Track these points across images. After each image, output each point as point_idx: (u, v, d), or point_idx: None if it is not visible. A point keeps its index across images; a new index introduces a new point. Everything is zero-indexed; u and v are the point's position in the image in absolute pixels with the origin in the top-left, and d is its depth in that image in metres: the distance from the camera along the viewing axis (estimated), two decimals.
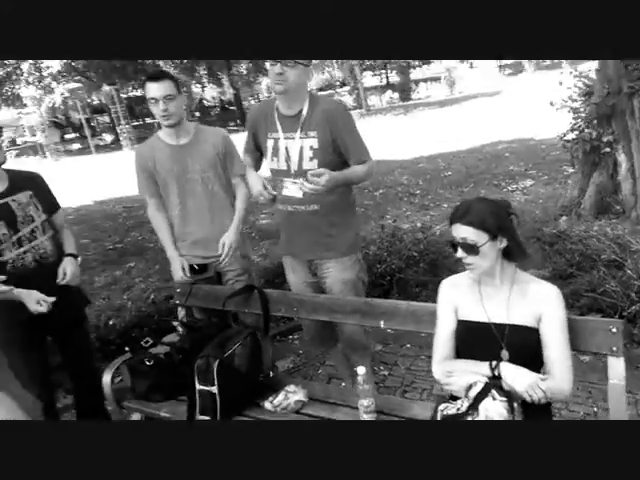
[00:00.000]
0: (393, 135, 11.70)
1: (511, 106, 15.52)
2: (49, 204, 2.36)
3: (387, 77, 31.18)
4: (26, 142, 24.69)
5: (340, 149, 2.20)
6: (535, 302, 1.59)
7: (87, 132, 22.42)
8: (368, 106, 22.36)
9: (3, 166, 2.24)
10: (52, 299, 2.06)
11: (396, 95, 26.02)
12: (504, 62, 28.13)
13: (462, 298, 1.70)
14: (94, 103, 26.18)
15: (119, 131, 20.95)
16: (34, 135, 24.28)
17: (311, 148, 2.17)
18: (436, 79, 27.06)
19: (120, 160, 17.82)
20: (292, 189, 2.18)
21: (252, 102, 23.49)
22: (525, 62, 24.71)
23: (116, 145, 22.48)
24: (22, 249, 2.17)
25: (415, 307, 2.03)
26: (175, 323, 2.47)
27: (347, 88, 25.24)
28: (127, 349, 2.37)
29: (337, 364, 2.78)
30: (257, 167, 2.48)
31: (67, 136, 27.74)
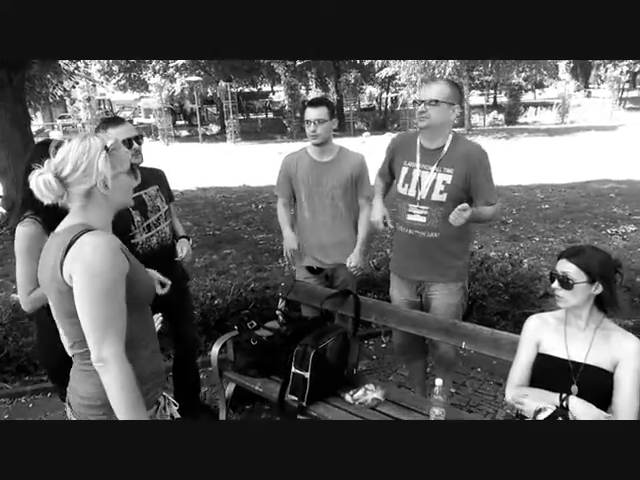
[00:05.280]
0: (492, 159, 11.43)
1: (627, 144, 14.59)
2: (169, 196, 2.67)
3: (495, 97, 30.33)
4: (141, 123, 27.00)
5: (470, 188, 2.34)
6: (616, 349, 1.74)
7: (198, 121, 24.06)
8: (471, 125, 21.97)
9: None
10: (169, 282, 2.06)
11: (501, 117, 25.27)
12: (625, 95, 26.31)
13: (547, 334, 1.87)
14: (207, 95, 28.05)
15: (226, 124, 22.32)
16: (148, 117, 26.57)
17: (443, 183, 2.34)
18: (547, 105, 25.94)
19: (224, 151, 18.95)
20: (416, 215, 2.40)
21: (353, 109, 23.92)
22: None
23: (221, 137, 23.92)
24: (149, 234, 2.46)
25: (497, 335, 2.22)
26: (278, 312, 2.82)
27: None
28: (236, 328, 2.74)
29: (413, 373, 2.97)
30: (386, 192, 2.71)
31: (178, 122, 29.85)
